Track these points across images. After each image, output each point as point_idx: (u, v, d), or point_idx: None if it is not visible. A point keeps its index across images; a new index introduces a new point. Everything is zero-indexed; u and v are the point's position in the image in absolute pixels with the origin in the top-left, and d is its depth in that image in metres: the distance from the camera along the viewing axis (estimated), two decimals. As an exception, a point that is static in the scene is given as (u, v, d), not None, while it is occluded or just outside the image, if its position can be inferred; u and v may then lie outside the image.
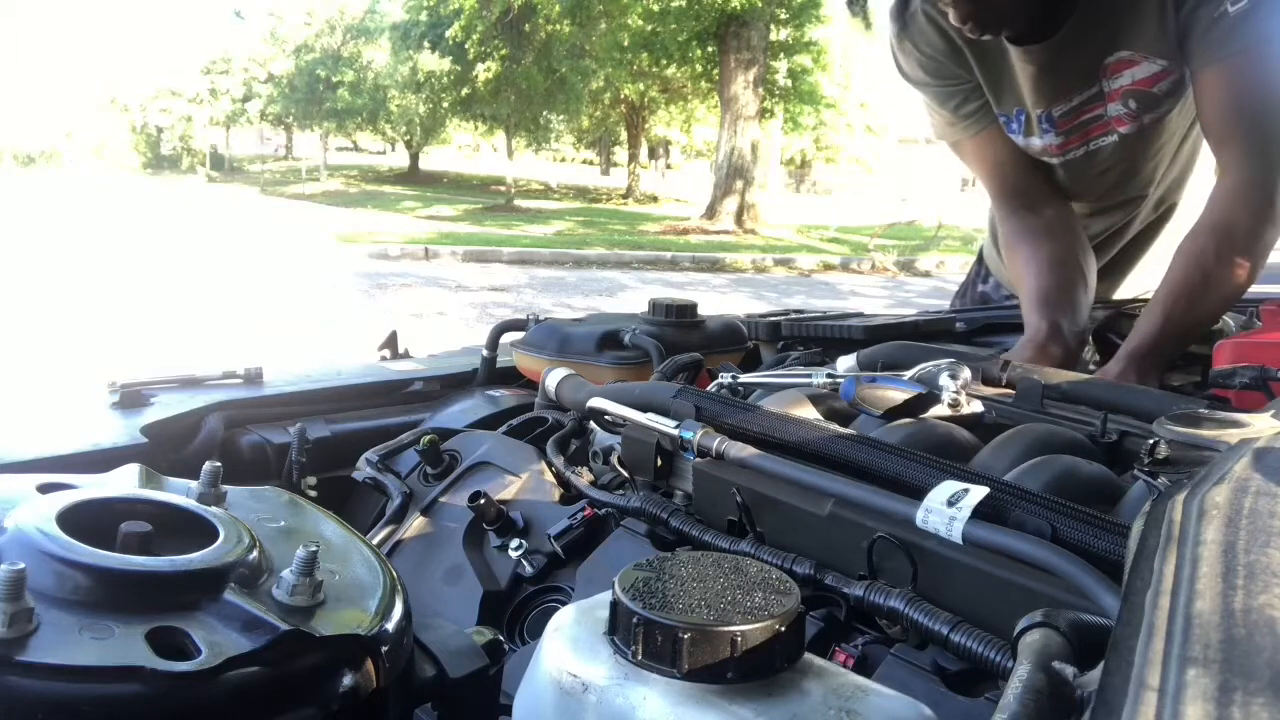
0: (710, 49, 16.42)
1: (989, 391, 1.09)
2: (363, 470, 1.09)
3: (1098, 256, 1.69)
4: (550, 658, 0.50)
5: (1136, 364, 1.28)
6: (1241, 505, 0.43)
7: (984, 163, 1.65)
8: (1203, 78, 1.33)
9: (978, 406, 0.99)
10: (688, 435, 0.88)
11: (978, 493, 0.68)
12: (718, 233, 15.10)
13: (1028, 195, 1.62)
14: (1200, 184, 1.77)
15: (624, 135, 24.84)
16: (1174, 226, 1.78)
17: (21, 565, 0.44)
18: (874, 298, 10.47)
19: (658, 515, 0.84)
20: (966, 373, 1.00)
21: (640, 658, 0.46)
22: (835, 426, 0.89)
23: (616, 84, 18.68)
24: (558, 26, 16.78)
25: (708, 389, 1.06)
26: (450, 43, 17.36)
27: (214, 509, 0.58)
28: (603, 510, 0.92)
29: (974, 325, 1.63)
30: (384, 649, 0.52)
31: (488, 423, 1.25)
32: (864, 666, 0.66)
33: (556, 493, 1.01)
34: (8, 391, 1.23)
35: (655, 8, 15.97)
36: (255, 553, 0.54)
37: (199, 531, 0.55)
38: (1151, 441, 0.61)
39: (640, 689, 0.46)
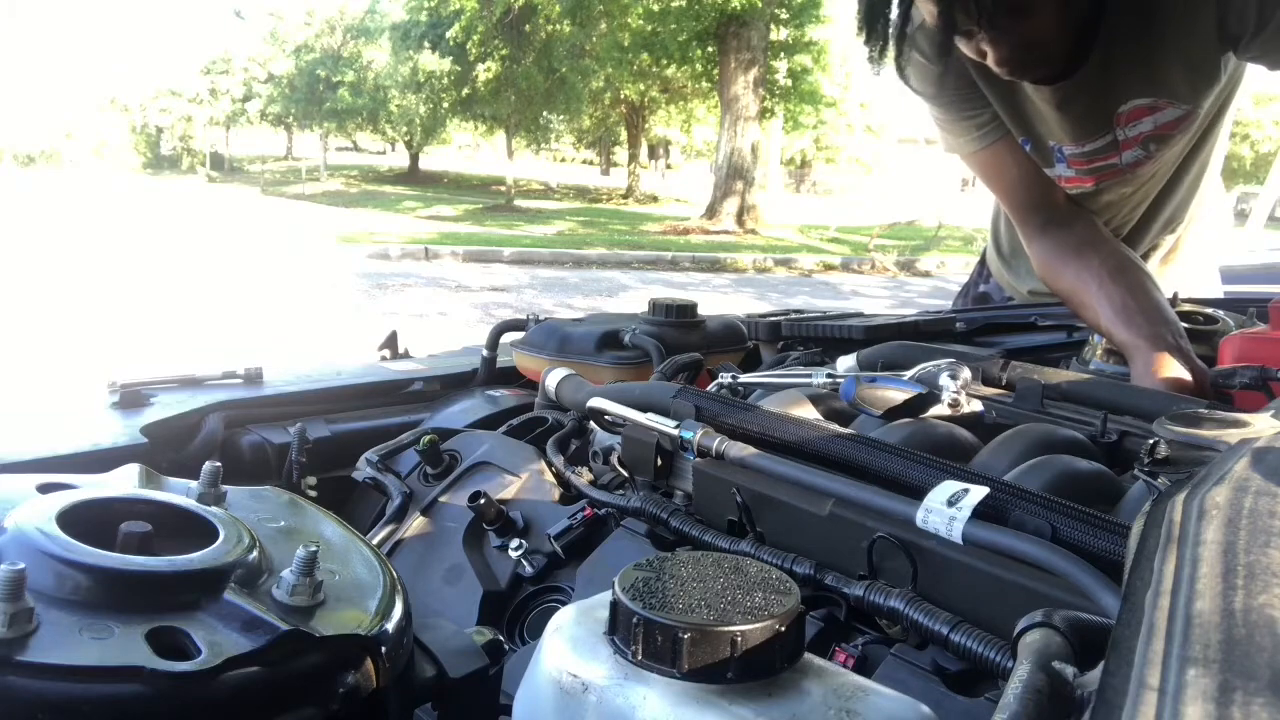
0: (710, 49, 16.42)
1: (989, 391, 1.09)
2: (363, 470, 1.09)
3: None
4: (550, 658, 0.50)
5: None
6: (1241, 505, 0.43)
7: (1002, 176, 1.55)
8: None
9: (978, 406, 0.99)
10: (688, 435, 0.87)
11: (978, 493, 0.68)
12: (718, 233, 15.11)
13: (1055, 211, 1.51)
14: (1207, 199, 1.76)
15: (624, 135, 24.85)
16: (1180, 245, 1.77)
17: (21, 565, 0.44)
18: (875, 298, 10.48)
19: (658, 515, 0.84)
20: (966, 373, 1.00)
21: (640, 658, 0.46)
22: (835, 426, 0.88)
23: (617, 84, 18.70)
24: (558, 26, 16.80)
25: (708, 389, 1.06)
26: (451, 43, 17.39)
27: (214, 509, 0.58)
28: (603, 510, 0.92)
29: (974, 325, 1.62)
30: (384, 649, 0.52)
31: (488, 423, 1.25)
32: (864, 666, 0.66)
33: (556, 493, 1.01)
34: (8, 391, 1.23)
35: (655, 8, 15.98)
36: (255, 553, 0.54)
37: (199, 531, 0.55)
38: (1151, 441, 0.61)
39: (640, 689, 0.46)
